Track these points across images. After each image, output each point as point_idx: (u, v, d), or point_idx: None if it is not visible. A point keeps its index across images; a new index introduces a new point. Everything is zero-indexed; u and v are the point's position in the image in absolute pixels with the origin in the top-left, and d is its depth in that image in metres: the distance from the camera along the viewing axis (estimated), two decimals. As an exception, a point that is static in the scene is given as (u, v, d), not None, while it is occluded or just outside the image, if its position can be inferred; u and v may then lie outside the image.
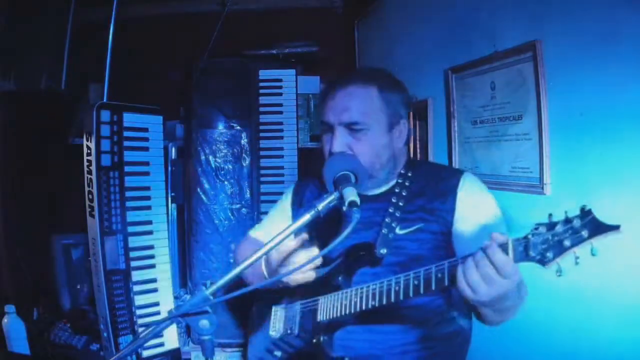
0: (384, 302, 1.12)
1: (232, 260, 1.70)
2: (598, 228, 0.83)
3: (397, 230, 1.30)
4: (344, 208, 1.03)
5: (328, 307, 1.27)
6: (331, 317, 1.25)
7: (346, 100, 1.32)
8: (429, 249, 1.30)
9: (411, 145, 2.36)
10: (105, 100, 2.23)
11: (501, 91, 1.73)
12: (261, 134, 2.75)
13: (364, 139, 1.31)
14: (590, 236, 0.83)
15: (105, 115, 2.17)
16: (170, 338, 2.30)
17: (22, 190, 2.82)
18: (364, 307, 1.16)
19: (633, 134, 1.27)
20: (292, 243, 1.26)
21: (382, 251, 1.28)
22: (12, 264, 2.66)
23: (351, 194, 1.03)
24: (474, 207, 1.31)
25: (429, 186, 1.36)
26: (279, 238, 0.99)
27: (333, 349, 1.28)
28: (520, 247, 0.90)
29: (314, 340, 1.28)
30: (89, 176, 2.15)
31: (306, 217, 1.02)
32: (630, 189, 1.28)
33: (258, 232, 1.63)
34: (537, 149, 1.56)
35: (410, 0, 2.43)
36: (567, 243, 0.85)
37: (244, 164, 2.73)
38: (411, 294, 1.06)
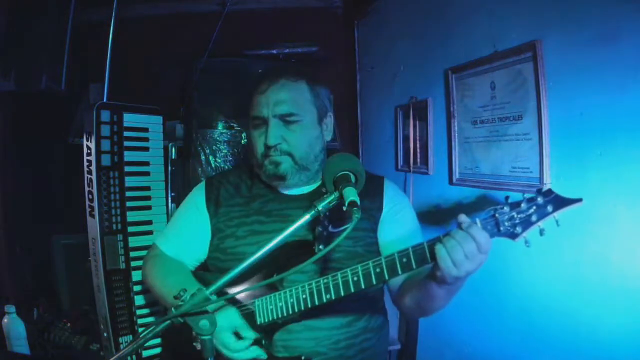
0: (342, 293, 1.13)
1: (142, 278, 1.58)
2: (561, 202, 0.95)
3: (330, 228, 1.32)
4: (344, 208, 1.03)
5: (268, 308, 1.23)
6: (274, 318, 1.22)
7: (280, 93, 1.34)
8: (362, 246, 1.34)
9: (411, 145, 2.36)
10: (105, 100, 2.23)
11: (501, 91, 1.73)
12: (261, 134, 2.75)
13: (298, 130, 1.34)
14: (555, 210, 0.95)
15: (105, 115, 2.16)
16: (170, 338, 2.29)
17: (22, 190, 2.82)
18: (317, 303, 1.16)
19: (633, 134, 1.27)
20: None
21: (320, 247, 1.28)
22: (12, 264, 2.66)
23: (351, 194, 1.03)
24: (399, 207, 1.40)
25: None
26: (276, 241, 0.99)
27: (274, 351, 1.26)
28: (489, 225, 1.00)
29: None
30: (89, 176, 2.15)
31: (306, 217, 1.01)
32: (630, 189, 1.28)
33: (170, 244, 1.51)
34: (537, 149, 1.56)
35: (410, 0, 2.42)
36: (534, 218, 0.97)
37: (244, 164, 2.73)
38: (374, 282, 1.10)
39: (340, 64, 3.12)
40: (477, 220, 1.00)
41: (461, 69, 1.94)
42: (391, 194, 1.42)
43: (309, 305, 1.17)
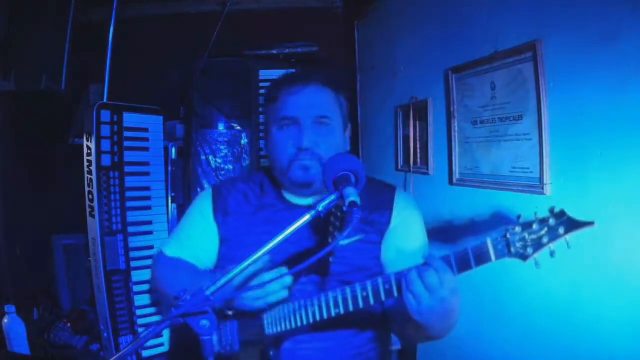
0: (351, 308, 1.13)
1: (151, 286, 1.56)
2: (573, 225, 0.95)
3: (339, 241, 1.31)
4: (344, 208, 1.03)
5: (277, 318, 1.22)
6: (283, 329, 1.22)
7: (313, 95, 1.33)
8: (370, 259, 1.32)
9: (411, 145, 2.36)
10: (105, 100, 2.23)
11: (501, 91, 1.73)
12: (261, 134, 2.75)
13: (329, 135, 1.32)
14: (566, 232, 0.95)
15: (105, 115, 2.17)
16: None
17: (22, 190, 2.82)
18: (325, 316, 1.16)
19: (633, 134, 1.27)
20: None
21: (329, 257, 1.27)
22: (12, 264, 2.66)
23: (351, 194, 1.03)
24: (406, 222, 1.37)
25: (367, 199, 1.34)
26: (277, 240, 0.99)
27: None
28: (499, 245, 1.00)
29: (261, 355, 1.24)
30: (89, 176, 2.15)
31: (306, 217, 1.01)
32: (631, 189, 1.28)
33: (176, 250, 1.48)
34: (537, 149, 1.56)
35: (411, 0, 2.43)
36: (545, 240, 0.97)
37: (244, 164, 2.73)
38: (383, 298, 1.10)
39: (340, 64, 3.12)
40: (488, 241, 1.01)
41: (461, 69, 1.94)
42: (400, 207, 1.38)
43: (317, 319, 1.17)
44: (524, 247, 0.98)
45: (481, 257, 1.02)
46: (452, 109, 2.00)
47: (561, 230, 0.95)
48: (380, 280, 1.10)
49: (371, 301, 1.11)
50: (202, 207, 1.47)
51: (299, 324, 1.19)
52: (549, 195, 1.51)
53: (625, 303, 1.30)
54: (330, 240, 1.28)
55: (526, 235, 0.98)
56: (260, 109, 2.76)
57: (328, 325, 1.25)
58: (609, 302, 1.35)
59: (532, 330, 1.61)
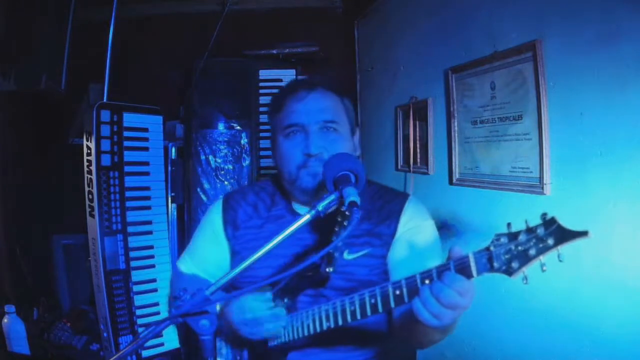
0: (340, 322, 1.09)
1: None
2: (564, 235, 0.82)
3: (345, 255, 1.27)
4: (344, 208, 1.02)
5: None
6: (283, 340, 1.22)
7: (319, 101, 1.31)
8: (378, 274, 1.28)
9: (411, 145, 2.36)
10: (105, 100, 2.23)
11: (501, 91, 1.73)
12: (261, 134, 2.76)
13: (337, 140, 1.30)
14: (557, 244, 0.82)
15: (105, 115, 2.17)
16: (170, 338, 2.30)
17: (22, 190, 2.82)
18: (318, 329, 1.14)
19: (633, 134, 1.27)
20: None
21: (328, 269, 1.21)
22: (12, 264, 2.66)
23: (351, 194, 1.03)
24: (413, 232, 1.30)
25: (375, 210, 1.33)
26: (278, 239, 0.99)
27: None
28: (483, 259, 0.89)
29: None
30: (89, 176, 2.15)
31: (306, 218, 1.01)
32: (630, 188, 1.28)
33: (190, 265, 1.50)
34: (537, 149, 1.55)
35: (410, 0, 2.43)
36: (532, 252, 0.84)
37: (244, 164, 2.73)
38: (369, 313, 1.04)
39: (340, 64, 3.12)
40: (470, 255, 0.91)
41: (461, 69, 1.94)
42: (408, 217, 1.32)
43: (312, 332, 1.15)
44: (510, 260, 0.86)
45: (464, 272, 0.92)
46: (452, 109, 2.00)
47: (550, 241, 0.82)
48: (366, 293, 1.04)
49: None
50: (213, 220, 1.47)
51: (299, 335, 1.18)
52: (549, 195, 1.51)
53: (625, 303, 1.30)
54: (333, 252, 1.25)
55: (512, 247, 0.86)
56: (260, 109, 2.77)
57: (335, 340, 1.24)
58: (609, 302, 1.35)
59: (532, 330, 1.61)
